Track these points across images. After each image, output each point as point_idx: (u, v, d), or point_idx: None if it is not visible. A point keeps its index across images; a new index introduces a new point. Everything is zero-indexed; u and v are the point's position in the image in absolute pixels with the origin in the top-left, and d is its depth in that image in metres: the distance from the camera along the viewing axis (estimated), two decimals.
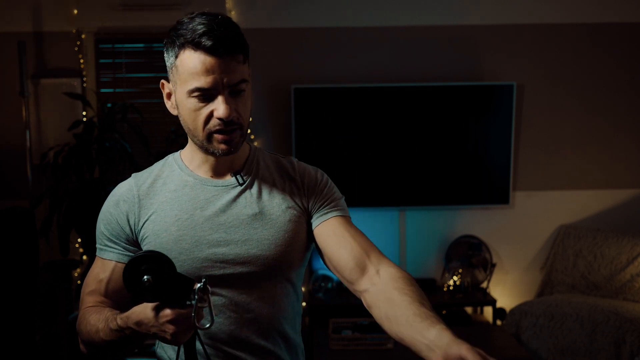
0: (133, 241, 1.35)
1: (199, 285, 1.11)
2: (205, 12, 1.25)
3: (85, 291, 1.37)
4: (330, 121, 3.93)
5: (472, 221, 4.10)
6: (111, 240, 1.35)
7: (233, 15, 3.94)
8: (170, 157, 1.42)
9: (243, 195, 1.35)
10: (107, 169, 3.55)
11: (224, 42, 1.20)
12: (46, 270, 3.52)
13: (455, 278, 3.90)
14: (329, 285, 3.95)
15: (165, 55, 1.29)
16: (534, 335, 3.52)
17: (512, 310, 3.71)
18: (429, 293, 3.96)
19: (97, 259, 1.39)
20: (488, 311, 4.03)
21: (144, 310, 1.14)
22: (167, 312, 1.11)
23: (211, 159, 1.35)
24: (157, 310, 1.12)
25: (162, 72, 4.03)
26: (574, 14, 4.01)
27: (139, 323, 1.15)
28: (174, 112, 1.33)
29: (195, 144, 1.32)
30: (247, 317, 1.33)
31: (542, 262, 4.12)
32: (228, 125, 1.25)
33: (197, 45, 1.20)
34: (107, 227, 1.35)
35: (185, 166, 1.38)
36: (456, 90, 3.93)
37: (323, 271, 3.96)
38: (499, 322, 3.90)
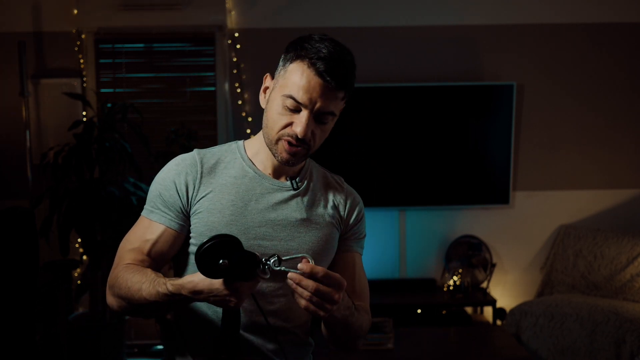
0: (186, 212, 1.39)
1: (273, 259, 1.19)
2: (336, 41, 1.34)
3: (126, 248, 1.39)
4: None
5: (472, 221, 4.10)
6: (166, 206, 1.39)
7: (233, 15, 3.94)
8: (234, 145, 1.48)
9: (295, 200, 1.44)
10: (107, 169, 3.55)
11: (335, 73, 1.29)
12: (46, 270, 3.52)
13: (455, 278, 3.90)
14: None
15: (283, 55, 1.36)
16: (534, 335, 3.52)
17: (512, 310, 3.71)
18: (429, 293, 3.97)
19: (142, 219, 1.41)
20: (488, 311, 4.03)
21: (203, 281, 1.19)
22: (237, 285, 1.18)
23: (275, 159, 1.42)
24: (226, 284, 1.18)
25: (162, 72, 4.05)
26: (574, 14, 4.01)
27: (197, 292, 1.20)
28: (263, 104, 1.41)
29: (265, 140, 1.40)
30: (269, 308, 1.40)
31: (542, 262, 4.12)
32: (298, 142, 1.33)
33: (312, 64, 1.29)
34: (165, 192, 1.39)
35: (248, 157, 1.44)
36: (456, 90, 3.93)
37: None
38: (499, 322, 3.90)
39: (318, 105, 1.31)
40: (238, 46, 3.94)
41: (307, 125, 1.31)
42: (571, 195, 4.11)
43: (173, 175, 1.40)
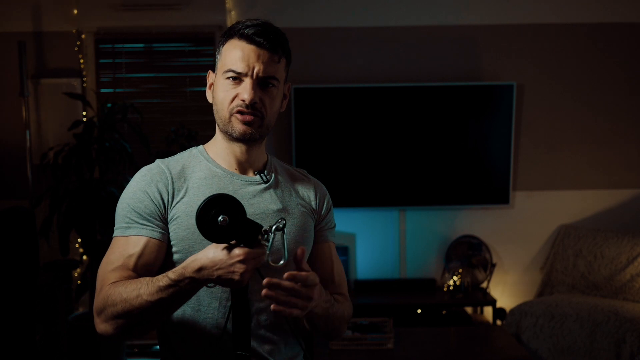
0: (164, 219, 1.37)
1: (277, 224, 1.20)
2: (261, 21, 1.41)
3: (108, 269, 1.34)
4: (330, 121, 3.93)
5: (472, 221, 4.10)
6: (143, 218, 1.36)
7: (233, 15, 3.94)
8: (194, 150, 1.49)
9: (268, 192, 1.45)
10: (107, 169, 3.55)
11: (265, 35, 1.35)
12: (46, 270, 3.52)
13: (455, 278, 3.90)
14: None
15: (217, 52, 1.43)
16: (534, 335, 3.52)
17: (512, 310, 3.71)
18: (429, 293, 3.97)
19: (118, 239, 1.37)
20: (488, 311, 4.03)
21: (207, 254, 1.19)
22: (239, 250, 1.17)
23: (236, 150, 1.44)
24: (228, 250, 1.18)
25: (162, 72, 4.05)
26: (574, 14, 4.01)
27: (200, 269, 1.19)
28: (210, 99, 1.45)
29: (220, 128, 1.42)
30: (259, 306, 1.39)
31: (542, 262, 4.12)
32: (249, 109, 1.36)
33: (241, 35, 1.36)
34: (138, 205, 1.36)
35: (211, 158, 1.46)
36: (456, 90, 3.93)
37: None
38: (499, 322, 3.90)
39: (257, 69, 1.35)
40: None
41: (252, 89, 1.35)
42: (571, 195, 4.11)
43: (143, 186, 1.38)
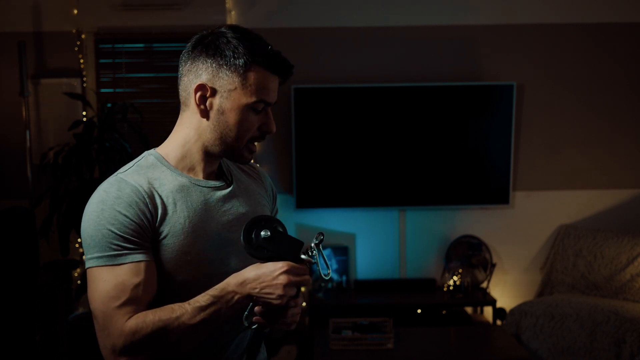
0: (150, 240, 1.28)
1: (317, 240, 1.26)
2: (250, 30, 1.36)
3: (112, 305, 1.22)
4: (330, 121, 3.93)
5: (472, 221, 4.10)
6: (132, 242, 1.25)
7: (233, 15, 3.94)
8: (150, 158, 1.37)
9: (235, 196, 1.40)
10: (107, 169, 3.55)
11: (287, 68, 1.35)
12: (46, 270, 3.52)
13: (455, 278, 3.90)
14: (329, 285, 3.95)
15: (217, 55, 1.32)
16: (534, 335, 3.52)
17: (512, 310, 3.71)
18: (429, 293, 3.97)
19: (106, 270, 1.25)
20: (488, 311, 4.03)
21: (250, 270, 1.23)
22: (283, 263, 1.21)
23: (208, 161, 1.38)
24: (272, 264, 1.22)
25: (162, 72, 4.05)
26: (574, 14, 4.01)
27: (244, 282, 1.22)
28: (205, 115, 1.35)
29: (215, 148, 1.35)
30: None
31: (542, 262, 4.12)
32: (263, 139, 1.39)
33: (269, 66, 1.32)
34: (123, 229, 1.25)
35: (172, 166, 1.36)
36: (456, 90, 3.93)
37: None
38: (499, 322, 3.90)
39: (275, 100, 1.38)
40: None
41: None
42: (571, 195, 4.11)
43: (121, 209, 1.26)
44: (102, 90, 4.01)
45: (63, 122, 3.76)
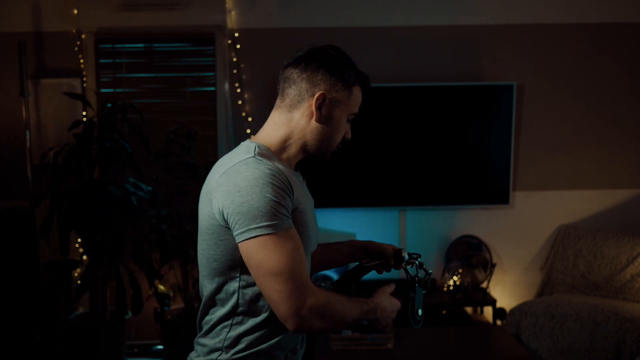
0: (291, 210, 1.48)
1: (418, 260, 1.75)
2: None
3: (302, 271, 1.41)
4: None
5: (472, 221, 4.10)
6: (288, 212, 1.42)
7: (233, 15, 3.94)
8: (262, 147, 1.52)
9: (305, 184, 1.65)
10: (107, 169, 3.55)
11: (370, 88, 1.68)
12: (46, 270, 3.52)
13: (455, 278, 3.90)
14: (329, 285, 3.95)
15: (336, 72, 1.58)
16: (534, 335, 3.52)
17: (512, 310, 3.71)
18: (429, 293, 3.96)
19: (277, 236, 1.39)
20: (488, 311, 4.03)
21: (385, 300, 1.61)
22: (399, 303, 1.64)
23: (298, 157, 1.61)
24: (396, 301, 1.59)
25: (161, 72, 4.05)
26: (574, 14, 4.01)
27: (383, 309, 1.59)
28: (317, 119, 1.56)
29: (312, 149, 1.59)
30: None
31: (542, 262, 4.13)
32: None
33: (364, 86, 1.67)
34: (282, 201, 1.40)
35: (279, 160, 1.55)
36: (456, 90, 3.93)
37: (322, 271, 3.96)
38: (499, 322, 3.90)
39: None
40: (238, 46, 3.94)
41: None
42: (571, 195, 4.11)
43: (282, 182, 1.43)
44: (102, 90, 4.01)
45: (63, 122, 3.76)
